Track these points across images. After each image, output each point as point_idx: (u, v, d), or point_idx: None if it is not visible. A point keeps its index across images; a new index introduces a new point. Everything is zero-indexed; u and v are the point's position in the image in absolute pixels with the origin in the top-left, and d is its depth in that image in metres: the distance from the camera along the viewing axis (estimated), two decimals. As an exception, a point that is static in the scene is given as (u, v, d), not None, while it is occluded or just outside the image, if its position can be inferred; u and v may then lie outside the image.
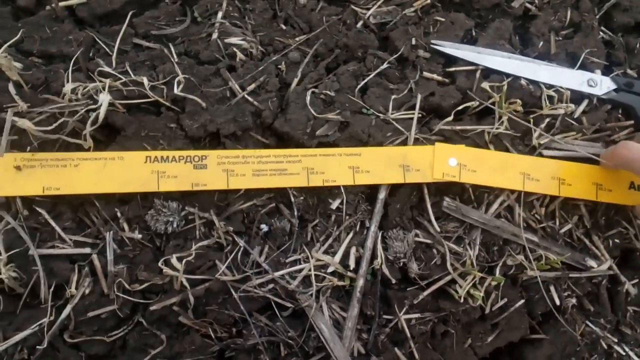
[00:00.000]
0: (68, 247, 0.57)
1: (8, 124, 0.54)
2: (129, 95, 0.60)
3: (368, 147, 0.64)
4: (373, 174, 0.63)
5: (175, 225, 0.59)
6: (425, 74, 0.69)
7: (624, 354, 0.69)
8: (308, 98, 0.64)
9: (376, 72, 0.68)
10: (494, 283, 0.64)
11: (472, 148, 0.66)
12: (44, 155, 0.57)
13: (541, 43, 0.74)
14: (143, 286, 0.57)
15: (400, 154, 0.64)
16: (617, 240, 0.70)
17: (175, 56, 0.64)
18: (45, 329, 0.54)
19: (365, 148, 0.64)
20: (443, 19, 0.72)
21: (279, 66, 0.66)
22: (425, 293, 0.63)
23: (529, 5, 0.76)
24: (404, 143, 0.65)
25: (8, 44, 0.60)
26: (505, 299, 0.65)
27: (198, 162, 0.60)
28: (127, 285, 0.56)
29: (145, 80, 0.60)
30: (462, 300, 0.62)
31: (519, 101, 0.66)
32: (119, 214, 0.58)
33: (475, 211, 0.65)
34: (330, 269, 0.61)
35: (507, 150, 0.67)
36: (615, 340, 0.69)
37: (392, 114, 0.66)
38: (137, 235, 0.58)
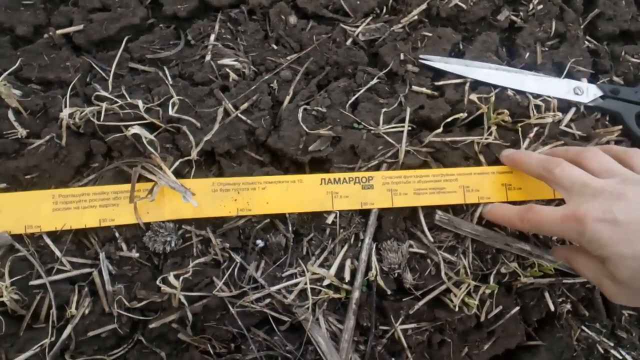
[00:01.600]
0: (68, 270, 0.58)
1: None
2: (125, 118, 0.61)
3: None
4: (524, 191, 0.66)
5: (173, 244, 0.59)
6: (415, 87, 0.70)
7: (620, 358, 0.69)
8: (300, 115, 0.65)
9: (366, 87, 0.69)
10: (488, 291, 0.64)
11: None
12: (236, 180, 0.61)
13: (527, 54, 0.75)
14: (142, 304, 0.57)
15: None
16: (609, 245, 0.70)
17: (169, 78, 0.66)
18: (47, 349, 0.54)
19: None
20: (430, 34, 0.74)
21: (271, 85, 0.68)
22: (421, 303, 0.63)
23: (514, 18, 0.78)
24: (395, 156, 0.66)
25: (8, 72, 0.61)
26: (501, 307, 0.65)
27: (365, 183, 0.64)
28: (127, 303, 0.57)
29: (140, 103, 0.61)
30: (457, 309, 0.62)
31: (506, 111, 0.67)
32: (117, 234, 0.59)
33: (467, 223, 0.65)
34: (326, 282, 0.62)
35: (497, 160, 0.68)
36: (612, 344, 0.69)
37: (382, 127, 0.66)
38: (135, 254, 0.59)
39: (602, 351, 0.69)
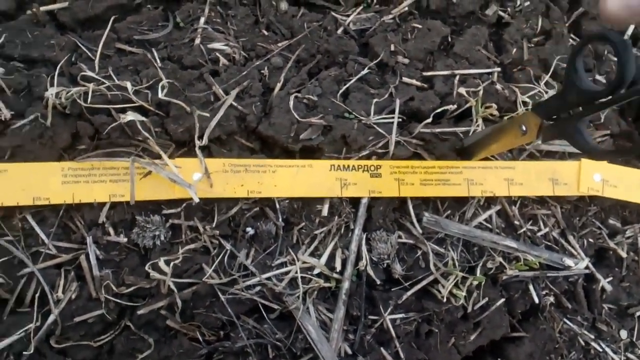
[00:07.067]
0: (55, 255, 0.60)
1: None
2: (113, 100, 0.64)
3: (520, 160, 0.75)
4: (526, 186, 0.73)
5: (162, 237, 0.62)
6: (405, 79, 0.75)
7: (600, 350, 0.76)
8: (291, 102, 0.69)
9: (357, 77, 0.74)
10: (475, 282, 0.70)
11: (616, 165, 0.76)
12: (247, 162, 0.65)
13: (515, 49, 0.82)
14: (130, 290, 0.60)
15: (550, 168, 0.74)
16: (590, 240, 0.77)
17: (158, 61, 0.69)
18: (32, 334, 0.57)
19: (519, 162, 0.74)
20: (420, 26, 0.79)
21: (262, 71, 0.72)
22: (409, 293, 0.68)
23: (502, 13, 0.84)
24: (386, 146, 0.71)
25: (-11, 48, 0.63)
26: (487, 298, 0.71)
27: (374, 171, 0.69)
28: (115, 289, 0.59)
29: (128, 84, 0.64)
30: (444, 300, 0.68)
31: (494, 105, 0.73)
32: (104, 219, 0.62)
33: (454, 224, 0.71)
34: (316, 271, 0.66)
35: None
36: (592, 336, 0.76)
37: (373, 118, 0.71)
38: (123, 239, 0.62)
39: (583, 343, 0.76)
